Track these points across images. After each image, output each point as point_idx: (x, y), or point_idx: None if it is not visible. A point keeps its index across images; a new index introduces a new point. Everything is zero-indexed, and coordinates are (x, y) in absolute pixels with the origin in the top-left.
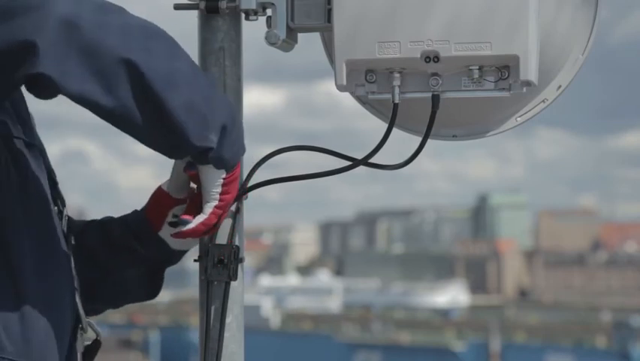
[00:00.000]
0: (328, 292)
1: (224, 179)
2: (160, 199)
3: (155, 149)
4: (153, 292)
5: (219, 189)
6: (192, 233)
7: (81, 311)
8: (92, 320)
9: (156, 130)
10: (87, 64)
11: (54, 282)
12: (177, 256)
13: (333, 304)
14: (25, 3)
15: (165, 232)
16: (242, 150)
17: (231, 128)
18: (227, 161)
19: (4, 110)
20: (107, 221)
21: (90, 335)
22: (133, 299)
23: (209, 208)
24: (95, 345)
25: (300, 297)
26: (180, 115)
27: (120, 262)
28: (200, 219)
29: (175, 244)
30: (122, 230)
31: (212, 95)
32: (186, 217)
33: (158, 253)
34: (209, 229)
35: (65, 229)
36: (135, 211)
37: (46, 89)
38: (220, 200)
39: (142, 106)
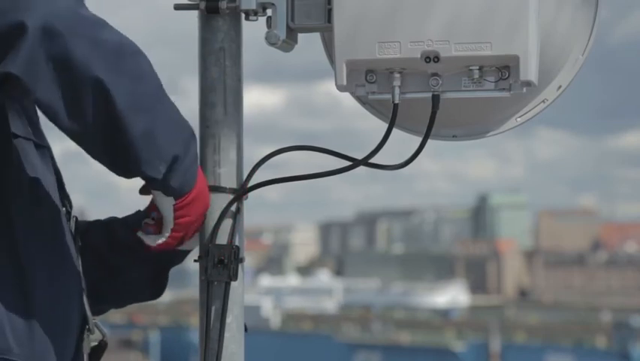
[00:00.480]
0: (327, 293)
1: (174, 205)
2: None
3: (105, 165)
4: (157, 292)
5: (172, 215)
6: (154, 249)
7: (88, 312)
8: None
9: (109, 150)
10: (57, 74)
11: (63, 283)
12: (180, 256)
13: (330, 304)
14: (10, 3)
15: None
16: (193, 177)
17: (183, 158)
18: (175, 190)
19: (15, 112)
20: (111, 221)
21: (96, 336)
22: (137, 299)
23: (166, 232)
24: (101, 346)
25: (297, 297)
26: (137, 141)
27: (124, 261)
28: (159, 240)
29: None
30: (125, 230)
31: (172, 121)
32: (149, 227)
33: (160, 253)
34: (178, 244)
35: (73, 229)
36: (138, 211)
37: (14, 90)
38: (176, 224)
39: (102, 126)
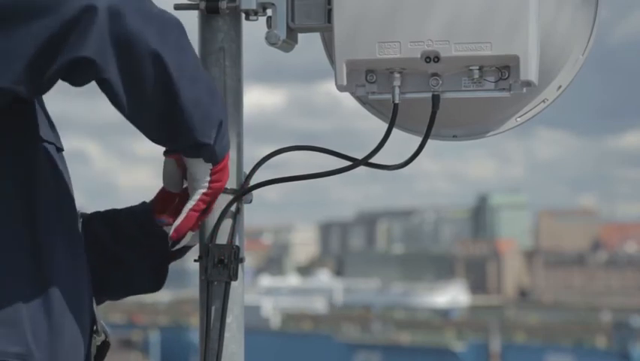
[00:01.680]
0: (319, 292)
1: (212, 170)
2: (162, 193)
3: (152, 138)
4: (157, 285)
5: (209, 178)
6: (185, 224)
7: (96, 312)
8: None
9: (164, 122)
10: (121, 51)
11: (80, 288)
12: (181, 249)
13: (320, 304)
14: None
15: (169, 226)
16: (228, 143)
17: (225, 123)
18: (218, 155)
19: (41, 116)
20: (113, 210)
21: (100, 337)
22: (136, 291)
23: (197, 195)
24: (105, 346)
25: (288, 297)
26: (189, 108)
27: (127, 252)
28: (188, 206)
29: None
30: (128, 219)
31: (211, 88)
32: (165, 218)
33: (162, 245)
34: (200, 216)
35: (80, 228)
36: (143, 203)
37: (84, 75)
38: (209, 188)
39: (158, 98)
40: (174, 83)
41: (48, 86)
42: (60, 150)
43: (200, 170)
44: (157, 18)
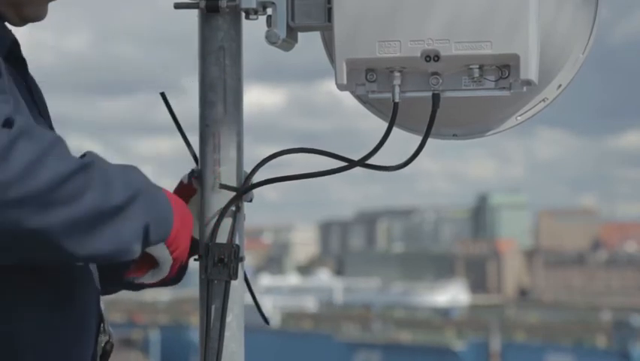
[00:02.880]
0: (305, 292)
1: (165, 245)
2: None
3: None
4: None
5: (167, 252)
6: (155, 284)
7: (104, 311)
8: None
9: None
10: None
11: (87, 290)
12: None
13: (310, 303)
14: None
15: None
16: (168, 217)
17: (150, 218)
18: (159, 239)
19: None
20: None
21: (103, 337)
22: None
23: (166, 267)
24: (108, 347)
25: (276, 295)
26: (107, 258)
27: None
28: (159, 277)
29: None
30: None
31: (129, 209)
32: (136, 272)
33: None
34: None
35: None
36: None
37: None
38: (173, 259)
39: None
40: (74, 253)
41: None
42: None
43: (154, 250)
44: (39, 190)
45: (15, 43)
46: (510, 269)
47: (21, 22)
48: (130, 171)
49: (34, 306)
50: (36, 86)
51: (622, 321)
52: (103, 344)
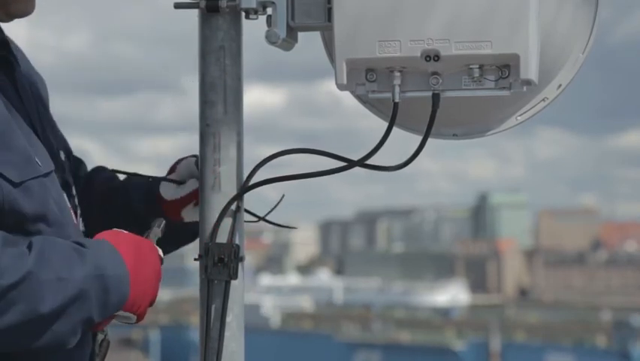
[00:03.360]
0: (301, 291)
1: (124, 310)
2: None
3: None
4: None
5: (129, 314)
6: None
7: None
8: None
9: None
10: None
11: None
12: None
13: (305, 303)
14: None
15: (186, 213)
16: (119, 290)
17: (92, 309)
18: (114, 314)
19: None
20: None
21: (99, 336)
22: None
23: (133, 320)
24: (105, 345)
25: (277, 296)
26: (47, 347)
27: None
28: (131, 321)
29: (188, 216)
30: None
31: (64, 312)
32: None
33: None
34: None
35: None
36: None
37: None
38: (137, 315)
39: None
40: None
41: None
42: (47, 173)
43: (119, 314)
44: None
45: (3, 43)
46: (510, 269)
47: (8, 18)
48: (74, 264)
49: None
50: (31, 85)
51: (622, 321)
52: (99, 342)
